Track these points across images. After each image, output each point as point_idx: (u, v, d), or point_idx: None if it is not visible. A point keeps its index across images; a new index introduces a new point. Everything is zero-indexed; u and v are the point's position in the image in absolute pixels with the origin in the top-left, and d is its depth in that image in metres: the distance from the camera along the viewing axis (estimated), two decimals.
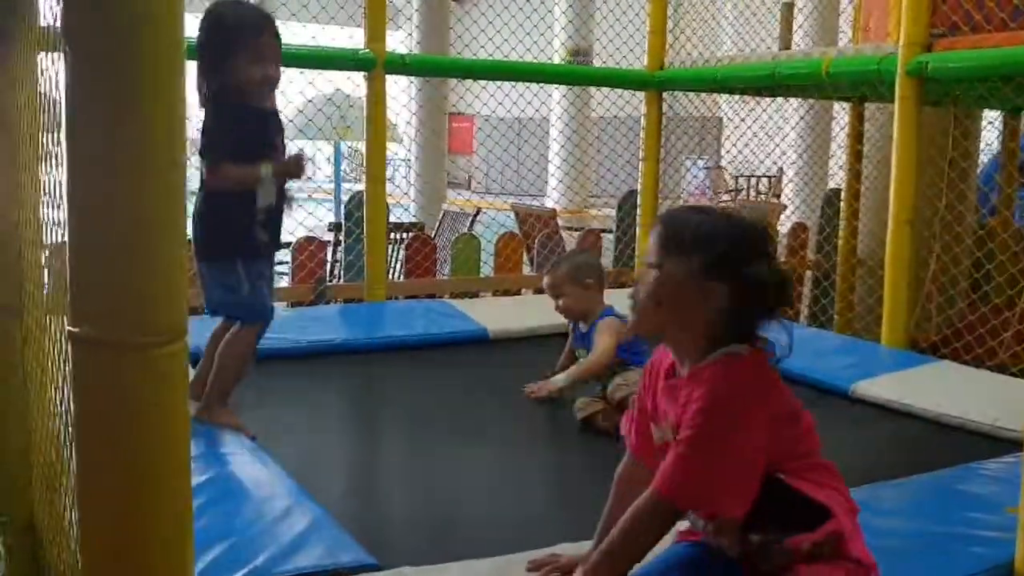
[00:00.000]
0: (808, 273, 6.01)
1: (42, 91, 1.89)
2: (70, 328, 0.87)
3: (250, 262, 2.71)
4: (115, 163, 0.86)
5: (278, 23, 2.74)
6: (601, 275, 3.29)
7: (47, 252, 1.96)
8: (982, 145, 5.59)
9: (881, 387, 3.34)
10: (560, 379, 3.13)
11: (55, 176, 1.80)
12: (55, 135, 1.75)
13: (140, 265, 0.86)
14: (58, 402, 1.81)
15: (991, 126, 5.54)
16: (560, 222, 7.08)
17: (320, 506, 2.17)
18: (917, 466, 2.61)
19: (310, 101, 7.41)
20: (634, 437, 1.72)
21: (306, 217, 5.16)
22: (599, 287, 3.25)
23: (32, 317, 2.16)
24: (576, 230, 6.97)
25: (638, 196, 5.54)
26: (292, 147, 2.99)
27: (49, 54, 1.76)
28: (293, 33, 5.80)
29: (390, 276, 5.25)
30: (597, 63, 13.72)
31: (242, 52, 2.61)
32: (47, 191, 1.93)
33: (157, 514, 0.92)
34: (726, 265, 1.50)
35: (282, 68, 2.75)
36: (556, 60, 14.99)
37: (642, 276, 1.56)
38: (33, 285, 2.12)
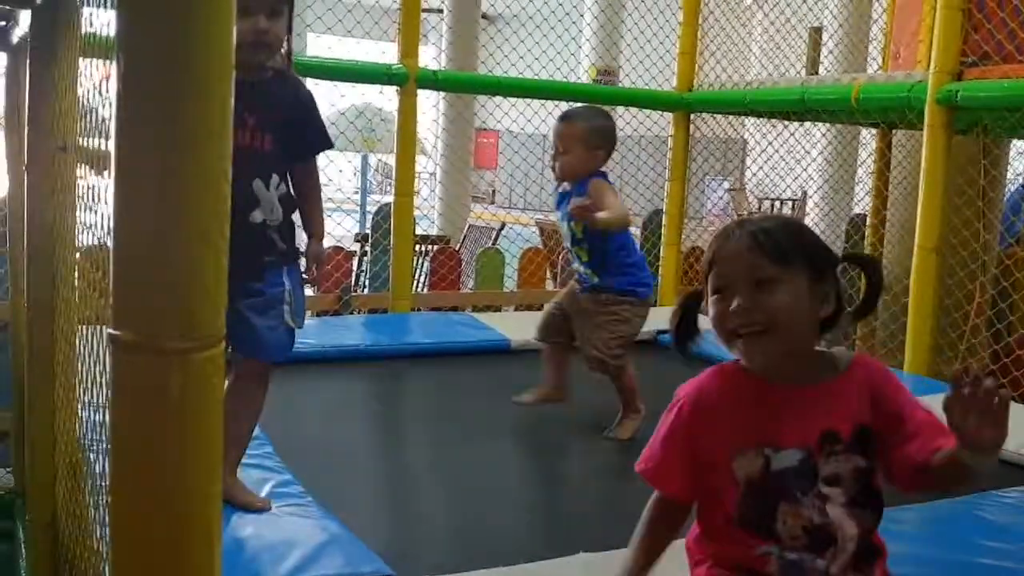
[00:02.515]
0: None
1: (82, 97, 1.92)
2: (111, 331, 0.88)
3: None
4: (162, 170, 0.88)
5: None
6: (612, 144, 3.08)
7: (80, 255, 1.99)
8: (1010, 174, 5.56)
9: None
10: (603, 214, 2.88)
11: (92, 180, 1.83)
12: (93, 140, 1.79)
13: (183, 270, 0.88)
14: (86, 403, 1.84)
15: (1021, 156, 5.51)
16: None
17: (337, 518, 2.18)
18: (936, 493, 2.59)
19: (343, 114, 7.49)
20: (679, 481, 1.53)
21: (335, 227, 5.19)
22: (606, 156, 3.05)
23: (64, 318, 2.19)
24: None
25: (663, 216, 5.55)
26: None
27: (91, 61, 1.79)
28: (328, 47, 5.88)
29: (414, 288, 5.28)
30: (624, 83, 13.74)
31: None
32: (83, 195, 1.97)
33: (188, 515, 0.93)
34: (831, 268, 1.48)
35: (284, 26, 2.22)
36: (584, 79, 15.05)
37: (751, 295, 1.42)
38: (65, 288, 2.15)
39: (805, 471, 1.44)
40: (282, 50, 2.26)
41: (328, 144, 2.44)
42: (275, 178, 2.23)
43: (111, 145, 0.90)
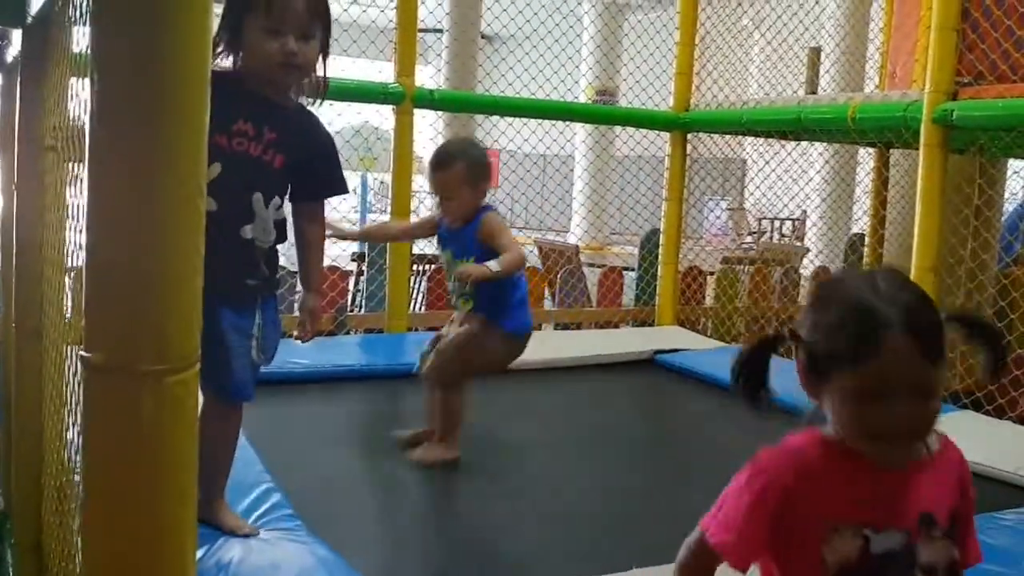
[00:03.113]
0: None
1: (72, 115, 1.92)
2: (83, 353, 0.87)
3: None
4: (136, 189, 0.87)
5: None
6: (490, 171, 2.99)
7: (70, 276, 1.97)
8: (1006, 193, 5.57)
9: None
10: (493, 264, 2.76)
11: (81, 200, 1.82)
12: (82, 159, 1.77)
13: (157, 292, 0.86)
14: (71, 426, 1.82)
15: (1016, 175, 5.51)
16: (582, 258, 7.09)
17: (326, 542, 2.15)
18: None
19: (338, 132, 7.53)
20: (756, 557, 1.37)
21: (330, 246, 5.17)
22: (487, 185, 2.95)
23: (51, 340, 2.17)
24: (598, 267, 6.98)
25: (660, 235, 5.54)
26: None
27: (81, 79, 1.78)
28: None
29: (411, 307, 5.26)
30: (623, 103, 13.80)
31: (255, 16, 2.08)
32: (73, 215, 1.95)
33: (161, 538, 0.92)
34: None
35: (316, 50, 2.17)
36: (582, 99, 15.10)
37: (917, 404, 1.26)
38: (53, 308, 2.13)
39: (905, 555, 1.33)
40: (315, 75, 2.23)
41: (343, 189, 2.34)
42: (276, 199, 2.16)
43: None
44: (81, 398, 0.91)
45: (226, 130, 2.08)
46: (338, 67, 5.43)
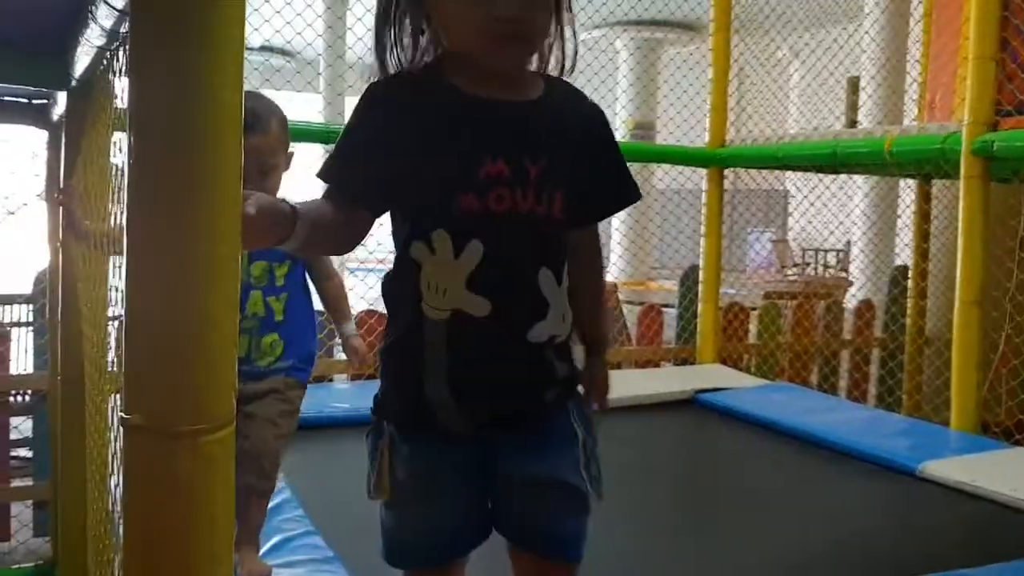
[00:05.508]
0: (875, 352, 5.89)
1: (111, 171, 1.96)
2: (122, 415, 0.88)
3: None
4: (171, 252, 0.88)
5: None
6: None
7: (110, 331, 2.00)
8: None
9: (951, 468, 3.23)
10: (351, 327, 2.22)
11: (116, 258, 1.85)
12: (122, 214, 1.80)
13: (192, 353, 0.88)
14: (110, 480, 1.84)
15: None
16: (621, 295, 7.05)
17: None
18: (988, 554, 2.50)
19: None
20: None
21: (367, 290, 5.19)
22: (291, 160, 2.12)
23: (96, 390, 2.21)
24: (638, 304, 6.94)
25: (700, 271, 5.51)
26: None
27: (124, 135, 1.81)
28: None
29: None
30: (660, 136, 13.82)
31: None
32: (111, 271, 1.99)
33: None
34: None
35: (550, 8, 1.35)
36: (619, 134, 15.15)
37: None
38: (91, 364, 2.16)
39: None
40: (547, 44, 1.39)
41: (637, 192, 1.50)
42: (566, 264, 1.41)
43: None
44: (120, 456, 0.92)
45: (471, 180, 1.30)
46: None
